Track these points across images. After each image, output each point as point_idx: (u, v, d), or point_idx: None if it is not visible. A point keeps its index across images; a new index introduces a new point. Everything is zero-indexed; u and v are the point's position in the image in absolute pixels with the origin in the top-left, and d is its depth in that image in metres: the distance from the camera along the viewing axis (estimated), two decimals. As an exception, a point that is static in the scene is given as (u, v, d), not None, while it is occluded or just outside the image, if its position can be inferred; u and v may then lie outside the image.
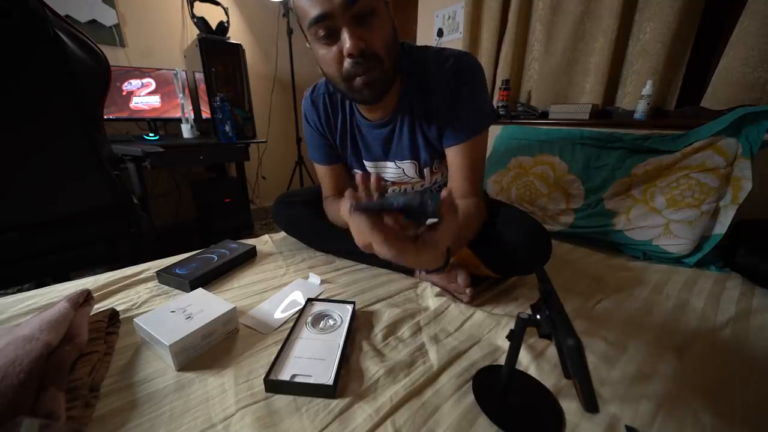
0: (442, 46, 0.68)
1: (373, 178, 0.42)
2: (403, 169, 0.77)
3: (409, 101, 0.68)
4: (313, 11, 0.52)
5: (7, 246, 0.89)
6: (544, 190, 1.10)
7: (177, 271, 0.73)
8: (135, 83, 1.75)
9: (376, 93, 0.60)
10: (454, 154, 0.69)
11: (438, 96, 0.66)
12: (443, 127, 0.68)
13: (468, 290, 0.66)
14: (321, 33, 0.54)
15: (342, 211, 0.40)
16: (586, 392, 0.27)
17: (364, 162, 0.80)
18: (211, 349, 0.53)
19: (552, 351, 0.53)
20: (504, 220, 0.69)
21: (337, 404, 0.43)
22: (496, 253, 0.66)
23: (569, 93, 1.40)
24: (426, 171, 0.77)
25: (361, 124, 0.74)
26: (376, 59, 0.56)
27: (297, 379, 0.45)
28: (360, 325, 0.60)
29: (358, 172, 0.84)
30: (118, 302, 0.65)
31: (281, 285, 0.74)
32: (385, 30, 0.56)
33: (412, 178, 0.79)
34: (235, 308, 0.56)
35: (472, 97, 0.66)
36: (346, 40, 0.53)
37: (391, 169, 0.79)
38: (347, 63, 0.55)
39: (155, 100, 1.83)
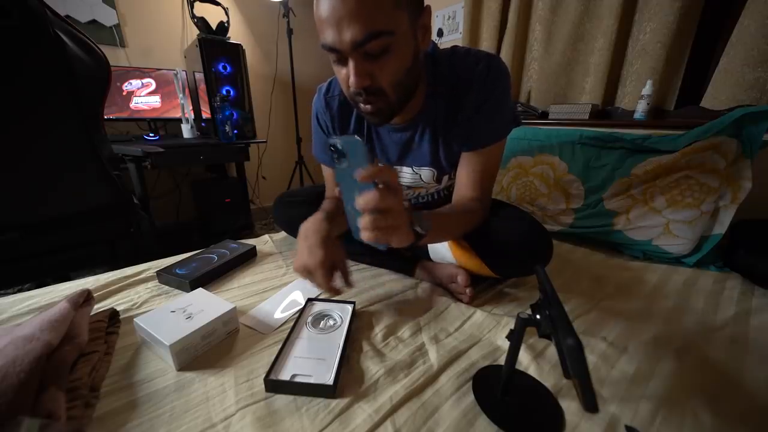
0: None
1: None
2: (420, 175, 0.75)
3: (434, 106, 0.66)
4: (324, 37, 0.50)
5: (7, 246, 0.90)
6: (543, 190, 1.10)
7: (177, 271, 0.73)
8: (135, 83, 1.75)
9: (380, 120, 0.60)
10: (468, 159, 0.67)
11: (468, 98, 0.63)
12: (466, 131, 0.66)
13: (468, 290, 0.66)
14: (332, 55, 0.53)
15: None
16: (586, 392, 0.27)
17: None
18: (211, 349, 0.53)
19: (552, 351, 0.53)
20: (504, 221, 0.68)
21: (337, 404, 0.43)
22: (497, 254, 0.66)
23: (569, 93, 1.40)
24: (444, 178, 0.76)
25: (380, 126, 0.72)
26: (382, 93, 0.55)
27: (297, 379, 0.45)
28: (360, 325, 0.60)
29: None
30: (118, 302, 0.65)
31: (281, 285, 0.74)
32: (398, 64, 0.53)
33: (429, 183, 0.77)
34: (235, 308, 0.56)
35: (498, 103, 0.64)
36: (351, 75, 0.51)
37: (407, 174, 0.77)
38: (351, 88, 0.54)
39: (155, 100, 1.83)
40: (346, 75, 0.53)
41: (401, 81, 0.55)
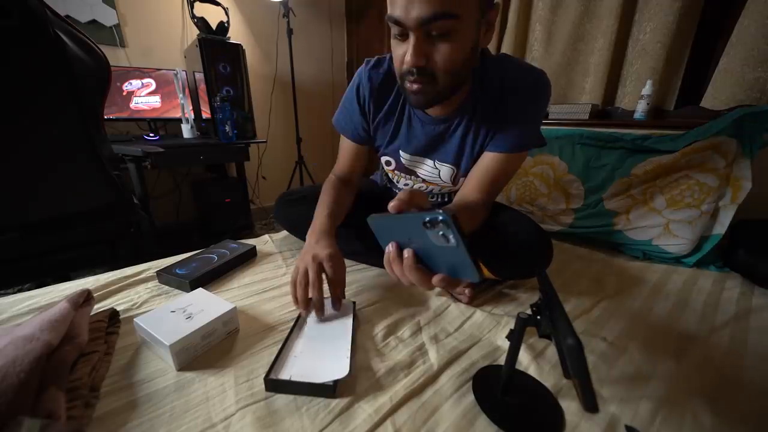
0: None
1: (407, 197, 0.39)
2: (440, 171, 0.76)
3: (474, 106, 0.66)
4: (392, 9, 0.51)
5: (7, 246, 0.89)
6: (543, 190, 1.10)
7: (177, 271, 0.73)
8: (135, 83, 1.75)
9: (422, 102, 0.60)
10: (488, 159, 0.67)
11: (509, 101, 0.63)
12: (496, 132, 0.66)
13: (467, 290, 0.66)
14: (395, 29, 0.53)
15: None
16: (586, 392, 0.27)
17: (401, 152, 0.77)
18: (211, 349, 0.53)
19: (552, 351, 0.53)
20: (505, 224, 0.68)
21: (337, 404, 0.43)
22: (497, 256, 0.66)
23: (569, 93, 1.41)
24: (461, 180, 0.75)
25: (415, 114, 0.71)
26: (432, 77, 0.55)
27: (297, 379, 0.45)
28: (360, 325, 0.60)
29: (405, 187, 0.84)
30: (118, 302, 0.65)
31: (281, 285, 0.74)
32: (456, 51, 0.52)
33: (445, 182, 0.77)
34: (235, 308, 0.56)
35: (535, 114, 0.65)
36: (408, 51, 0.52)
37: (427, 167, 0.77)
38: (405, 65, 0.55)
39: (155, 100, 1.83)
40: (403, 52, 0.53)
41: (455, 70, 0.55)
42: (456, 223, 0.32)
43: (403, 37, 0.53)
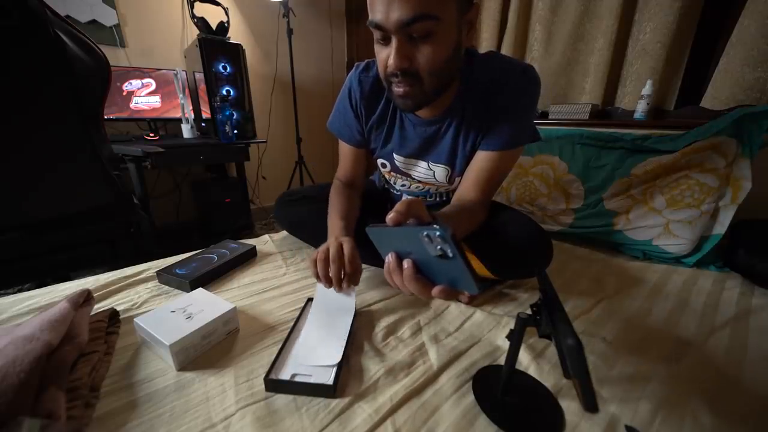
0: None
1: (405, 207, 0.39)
2: (434, 172, 0.76)
3: (463, 104, 0.66)
4: (373, 14, 0.51)
5: (7, 246, 0.89)
6: (543, 190, 1.11)
7: (177, 271, 0.73)
8: (135, 83, 1.75)
9: (410, 105, 0.60)
10: (482, 158, 0.67)
11: (498, 98, 0.63)
12: (488, 130, 0.66)
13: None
14: (377, 34, 0.54)
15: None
16: (586, 392, 0.27)
17: (395, 155, 0.78)
18: (211, 349, 0.53)
19: (552, 351, 0.53)
20: (505, 223, 0.68)
21: (337, 404, 0.43)
22: (497, 255, 0.66)
23: (569, 93, 1.41)
24: (457, 180, 0.76)
25: (407, 117, 0.72)
26: (417, 78, 0.55)
27: (297, 379, 0.45)
28: (360, 325, 0.60)
29: (402, 188, 0.85)
30: (118, 302, 0.65)
31: (281, 285, 0.74)
32: (439, 52, 0.53)
33: (441, 182, 0.77)
34: (235, 308, 0.56)
35: (526, 109, 0.65)
36: (391, 55, 0.53)
37: (422, 169, 0.77)
38: (389, 69, 0.55)
39: (155, 100, 1.82)
40: (387, 56, 0.54)
41: (439, 70, 0.55)
42: (454, 237, 0.32)
43: (386, 41, 0.54)
